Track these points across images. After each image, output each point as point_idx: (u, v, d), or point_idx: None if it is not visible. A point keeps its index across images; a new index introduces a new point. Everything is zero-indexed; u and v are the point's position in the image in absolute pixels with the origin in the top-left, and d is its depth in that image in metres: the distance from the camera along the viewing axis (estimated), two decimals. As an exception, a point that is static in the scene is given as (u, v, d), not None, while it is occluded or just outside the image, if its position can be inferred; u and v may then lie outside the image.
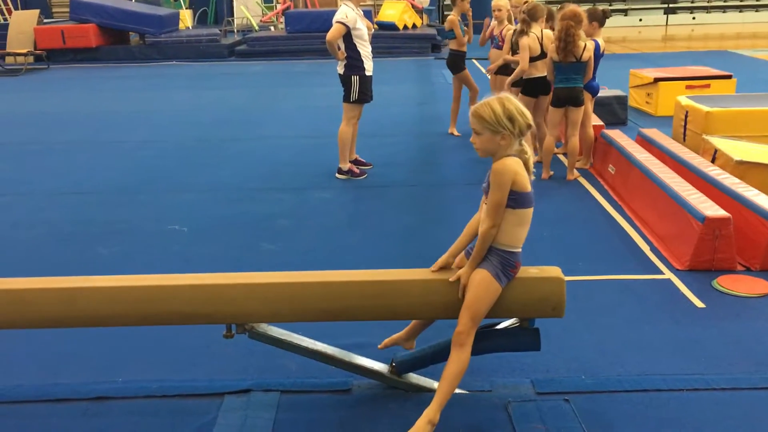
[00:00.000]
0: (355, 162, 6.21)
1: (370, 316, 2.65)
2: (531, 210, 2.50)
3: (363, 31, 5.74)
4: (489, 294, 2.49)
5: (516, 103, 2.47)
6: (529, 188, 2.46)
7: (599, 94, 6.61)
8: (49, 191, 5.91)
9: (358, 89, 5.80)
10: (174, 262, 4.34)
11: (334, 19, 5.65)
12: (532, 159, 2.53)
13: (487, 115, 2.43)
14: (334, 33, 5.61)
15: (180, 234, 4.84)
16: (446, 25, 7.25)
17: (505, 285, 2.50)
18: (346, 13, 5.62)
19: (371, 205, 5.36)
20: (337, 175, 6.03)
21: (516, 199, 2.45)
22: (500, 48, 6.94)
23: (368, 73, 5.85)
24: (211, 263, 4.25)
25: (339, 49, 5.72)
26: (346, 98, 5.89)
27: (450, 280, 2.54)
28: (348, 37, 5.68)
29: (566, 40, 5.47)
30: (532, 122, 2.50)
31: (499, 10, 6.90)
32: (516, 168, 2.44)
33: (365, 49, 5.79)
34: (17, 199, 5.73)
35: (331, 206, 5.38)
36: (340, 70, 5.85)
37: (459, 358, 2.50)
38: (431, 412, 2.50)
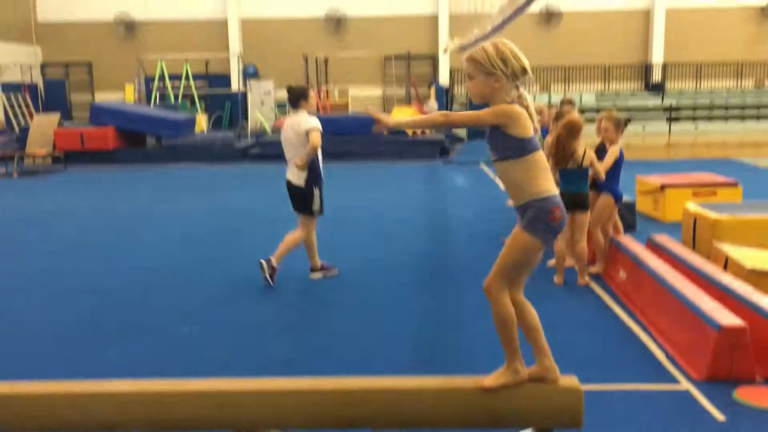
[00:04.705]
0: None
1: (382, 424, 2.58)
2: (539, 152, 2.46)
3: None
4: (518, 246, 2.45)
5: (511, 46, 2.42)
6: (531, 133, 2.43)
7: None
8: (59, 290, 5.91)
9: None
10: (184, 364, 4.28)
11: (313, 125, 5.60)
12: (532, 105, 2.49)
13: (479, 57, 2.39)
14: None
15: (190, 335, 4.80)
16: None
17: (544, 235, 2.48)
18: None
19: (381, 303, 5.33)
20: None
21: (520, 147, 2.42)
22: None
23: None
24: (222, 366, 4.20)
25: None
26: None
27: None
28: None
29: (558, 148, 5.64)
30: (527, 66, 2.42)
31: None
32: (518, 111, 2.39)
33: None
34: (27, 298, 5.74)
35: (342, 307, 5.35)
36: (300, 181, 5.77)
37: (495, 313, 2.49)
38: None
